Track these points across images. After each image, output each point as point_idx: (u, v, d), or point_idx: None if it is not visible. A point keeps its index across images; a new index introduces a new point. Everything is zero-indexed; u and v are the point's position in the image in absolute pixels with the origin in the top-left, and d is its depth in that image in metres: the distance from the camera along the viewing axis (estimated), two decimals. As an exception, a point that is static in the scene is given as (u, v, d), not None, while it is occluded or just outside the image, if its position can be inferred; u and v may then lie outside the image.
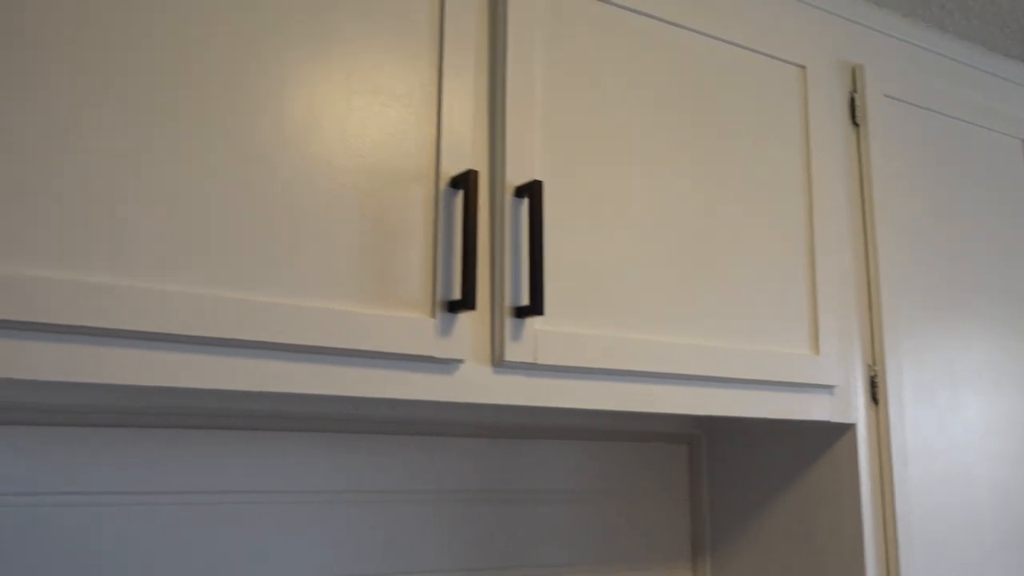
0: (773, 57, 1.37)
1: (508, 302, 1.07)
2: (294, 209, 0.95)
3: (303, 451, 1.31)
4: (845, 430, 1.41)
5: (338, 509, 1.32)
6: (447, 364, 1.04)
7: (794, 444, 1.49)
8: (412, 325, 1.00)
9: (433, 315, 1.02)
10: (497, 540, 1.45)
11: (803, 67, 1.40)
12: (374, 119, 1.02)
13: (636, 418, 1.62)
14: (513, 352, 1.06)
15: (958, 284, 1.54)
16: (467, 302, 1.01)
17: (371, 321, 0.97)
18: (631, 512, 1.61)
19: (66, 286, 0.82)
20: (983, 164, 1.63)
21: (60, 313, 0.82)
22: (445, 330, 1.02)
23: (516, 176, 1.09)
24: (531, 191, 1.07)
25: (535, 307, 1.06)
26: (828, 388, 1.37)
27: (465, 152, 1.06)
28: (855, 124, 1.48)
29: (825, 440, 1.44)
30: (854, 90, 1.48)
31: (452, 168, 1.05)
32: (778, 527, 1.51)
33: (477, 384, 1.06)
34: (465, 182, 1.03)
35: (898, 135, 1.51)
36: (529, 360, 1.08)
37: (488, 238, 1.09)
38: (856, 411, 1.40)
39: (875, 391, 1.42)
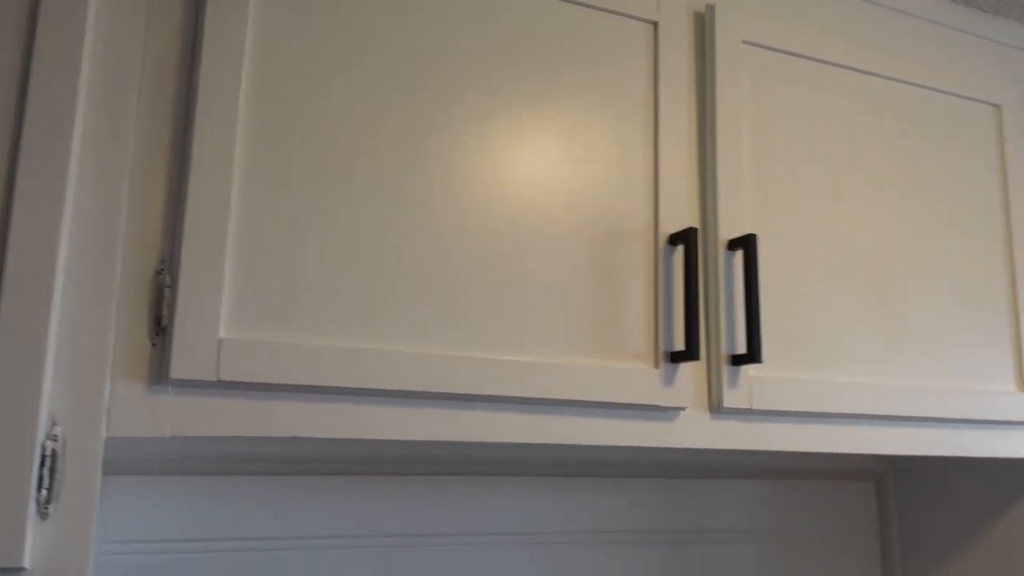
0: (967, 98, 1.38)
1: (724, 351, 1.11)
2: (527, 270, 1.02)
3: (499, 494, 1.38)
4: (1053, 468, 1.39)
5: (528, 550, 1.38)
6: (669, 412, 1.08)
7: (993, 481, 1.47)
8: (638, 376, 1.05)
9: (657, 365, 1.07)
10: (694, 578, 1.49)
11: (998, 106, 1.39)
12: (596, 183, 1.08)
13: (821, 456, 1.63)
14: (730, 399, 1.10)
15: None
16: (691, 353, 1.06)
17: (601, 373, 1.03)
18: (817, 552, 1.62)
19: (333, 352, 0.91)
20: None
21: (333, 376, 0.90)
22: (668, 380, 1.07)
23: (728, 230, 1.14)
24: (746, 244, 1.11)
25: (752, 355, 1.09)
26: (1035, 426, 1.35)
27: (681, 210, 1.12)
28: (1050, 158, 1.46)
29: (1030, 478, 1.42)
30: (1048, 123, 1.47)
31: (670, 226, 1.10)
32: (976, 569, 1.49)
33: (696, 430, 1.10)
34: (685, 239, 1.08)
35: (1094, 166, 1.49)
36: (745, 406, 1.11)
37: (702, 290, 1.13)
38: (1064, 449, 1.37)
39: (1082, 428, 1.39)
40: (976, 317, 1.33)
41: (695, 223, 1.15)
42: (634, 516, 1.46)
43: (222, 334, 0.87)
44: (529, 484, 1.40)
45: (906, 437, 1.25)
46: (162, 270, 0.87)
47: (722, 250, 1.13)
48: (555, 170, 1.06)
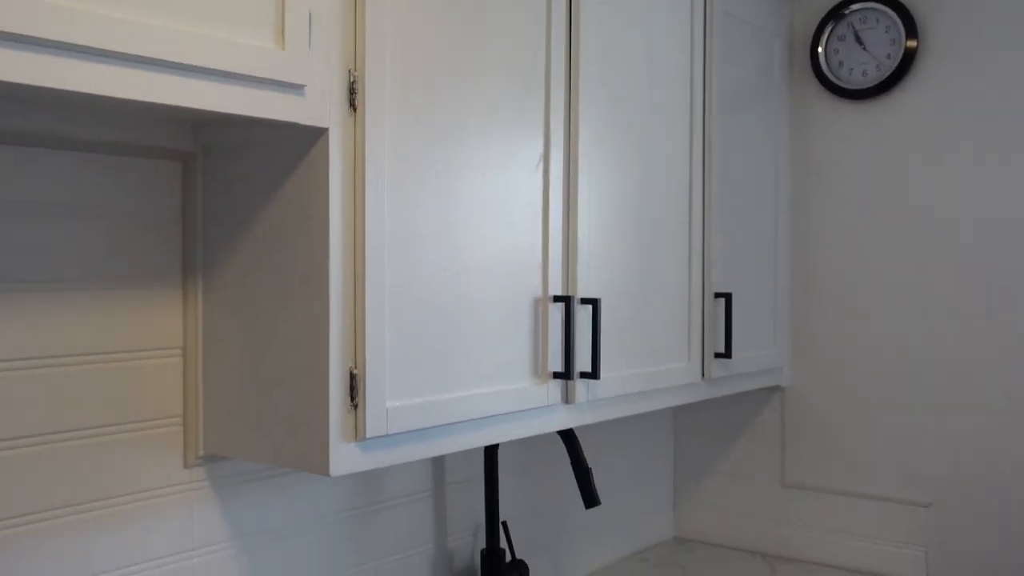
0: None
1: None
2: None
3: None
4: (319, 136, 1.37)
5: None
6: None
7: (278, 157, 1.45)
8: None
9: None
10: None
11: None
12: None
13: (130, 129, 1.47)
14: None
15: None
16: None
17: None
18: (120, 230, 1.50)
19: None
20: None
21: None
22: None
23: None
24: None
25: None
26: (297, 87, 1.31)
27: None
28: None
29: (302, 149, 1.40)
30: None
31: None
32: (260, 239, 1.48)
33: None
34: None
35: None
36: None
37: None
38: (330, 116, 1.36)
39: (353, 97, 1.39)
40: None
41: None
42: None
43: None
44: None
45: (131, 80, 1.12)
46: None
47: None
48: None
